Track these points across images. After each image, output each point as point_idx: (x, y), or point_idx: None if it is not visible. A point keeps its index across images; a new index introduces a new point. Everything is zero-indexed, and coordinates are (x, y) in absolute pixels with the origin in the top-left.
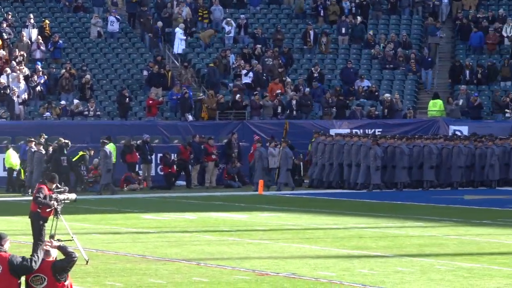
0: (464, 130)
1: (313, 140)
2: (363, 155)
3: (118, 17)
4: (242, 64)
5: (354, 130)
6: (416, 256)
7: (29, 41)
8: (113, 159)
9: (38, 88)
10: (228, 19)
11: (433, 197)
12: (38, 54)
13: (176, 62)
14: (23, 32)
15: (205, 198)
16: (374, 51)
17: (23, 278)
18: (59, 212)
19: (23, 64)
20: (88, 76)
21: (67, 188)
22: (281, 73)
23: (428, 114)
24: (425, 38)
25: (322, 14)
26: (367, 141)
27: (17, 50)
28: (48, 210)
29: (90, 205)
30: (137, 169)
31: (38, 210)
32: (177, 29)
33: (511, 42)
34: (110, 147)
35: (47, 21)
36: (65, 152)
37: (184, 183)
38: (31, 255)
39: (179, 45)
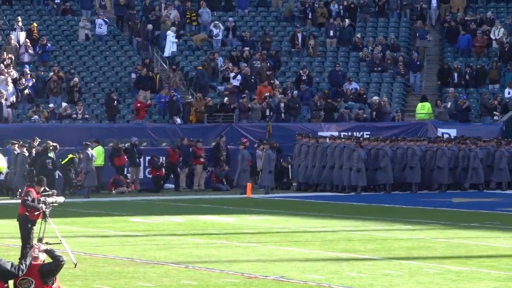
0: (453, 133)
1: (296, 142)
2: (346, 157)
3: (106, 20)
4: (230, 67)
5: (342, 133)
6: (405, 259)
7: (17, 44)
8: (102, 162)
9: (26, 91)
10: (216, 22)
11: (421, 200)
12: (26, 57)
13: (165, 65)
14: (11, 35)
15: (194, 201)
16: (362, 53)
17: (11, 281)
18: (47, 215)
19: (11, 67)
20: (76, 79)
21: (55, 191)
22: (269, 76)
23: (416, 117)
24: (413, 41)
25: (310, 16)
26: (351, 143)
27: (5, 53)
28: (36, 213)
29: (78, 208)
30: (125, 172)
31: (27, 213)
32: (168, 32)
33: (499, 45)
34: (98, 150)
35: (35, 24)
36: (50, 154)
37: (172, 186)
38: (19, 263)
39: (170, 48)
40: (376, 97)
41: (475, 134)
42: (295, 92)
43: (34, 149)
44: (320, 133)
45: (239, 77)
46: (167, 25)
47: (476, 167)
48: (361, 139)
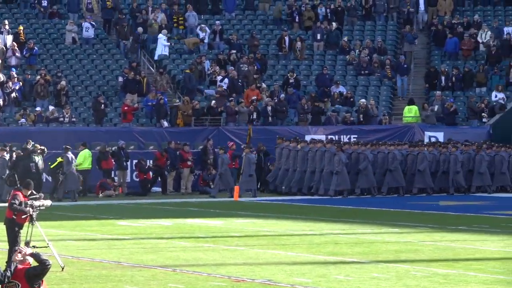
0: (440, 136)
1: (276, 146)
2: (327, 161)
3: (93, 23)
4: (218, 70)
5: (329, 136)
6: (392, 262)
7: (4, 48)
8: (89, 165)
9: (13, 94)
10: (203, 25)
11: (409, 203)
12: (13, 61)
13: (152, 69)
14: None
15: (181, 204)
16: (349, 57)
17: None
18: (35, 218)
19: None
20: (63, 83)
21: (42, 195)
22: (256, 79)
23: (403, 120)
24: (400, 45)
25: (297, 20)
26: (331, 147)
27: None
28: (23, 216)
29: (65, 212)
30: (112, 176)
31: (14, 216)
32: (160, 35)
33: (486, 48)
34: (85, 153)
35: (21, 27)
36: (37, 158)
37: (159, 189)
38: (5, 269)
39: (162, 51)
40: (363, 100)
41: (462, 138)
42: (282, 95)
43: (14, 153)
44: (309, 137)
45: (226, 80)
46: (154, 28)
47: (458, 171)
48: (342, 143)
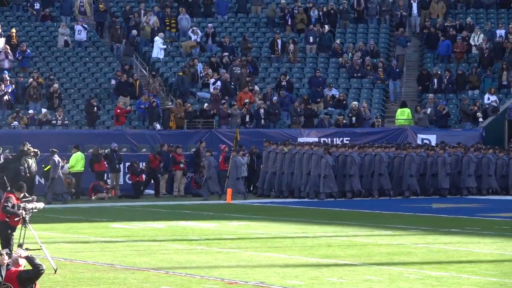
0: (432, 138)
1: (264, 149)
2: (314, 164)
3: (86, 25)
4: (210, 73)
5: (322, 139)
6: (385, 265)
7: None
8: (82, 168)
9: (6, 97)
10: (194, 28)
11: (401, 206)
12: (6, 63)
13: (144, 71)
14: None
15: (174, 207)
16: (342, 59)
17: None
18: (27, 221)
19: None
20: (56, 85)
21: (35, 197)
22: (248, 82)
23: (396, 123)
24: (393, 47)
25: (289, 23)
26: (318, 149)
27: None
28: (16, 219)
29: (58, 214)
30: (105, 178)
31: (6, 219)
32: (156, 38)
33: (479, 51)
34: (77, 156)
35: (14, 30)
36: (31, 160)
37: (152, 191)
38: None
39: (158, 54)
40: (355, 102)
41: (455, 140)
42: (275, 98)
43: (2, 155)
44: (302, 140)
45: (218, 83)
46: (146, 31)
47: (449, 173)
48: (328, 145)
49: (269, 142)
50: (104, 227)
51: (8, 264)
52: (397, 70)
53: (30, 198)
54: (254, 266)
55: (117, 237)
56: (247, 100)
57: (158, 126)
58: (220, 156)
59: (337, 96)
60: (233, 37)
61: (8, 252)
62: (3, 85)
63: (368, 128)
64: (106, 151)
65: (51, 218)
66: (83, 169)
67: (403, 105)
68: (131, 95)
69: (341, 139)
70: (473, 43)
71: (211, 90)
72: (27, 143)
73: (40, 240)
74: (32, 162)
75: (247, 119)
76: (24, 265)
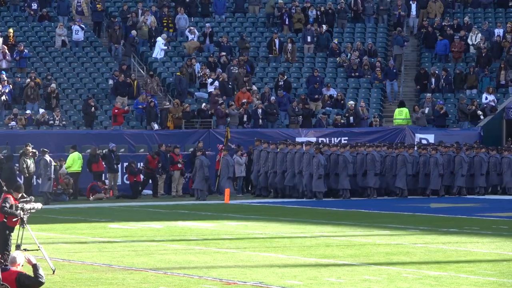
0: (430, 138)
1: (254, 148)
2: (306, 163)
3: (83, 25)
4: (208, 73)
5: (320, 139)
6: (383, 265)
7: None
8: (79, 168)
9: (3, 97)
10: (192, 27)
11: (400, 205)
12: (3, 64)
13: (142, 71)
14: None
15: (172, 207)
16: (339, 59)
17: None
18: (25, 221)
19: None
20: (53, 85)
21: (32, 198)
22: (246, 82)
23: (394, 122)
24: (390, 47)
25: (287, 22)
26: (310, 148)
27: None
28: (14, 219)
29: (56, 215)
30: (103, 178)
31: (4, 220)
32: (158, 38)
33: (477, 50)
34: (75, 156)
35: (11, 30)
36: (29, 161)
37: (150, 192)
38: None
39: (158, 54)
40: (351, 102)
41: (453, 140)
42: (273, 97)
43: None
44: (300, 139)
45: (216, 83)
46: (144, 31)
47: (441, 173)
48: (320, 145)
49: (260, 141)
50: (102, 227)
51: (6, 264)
52: (395, 69)
53: (28, 199)
54: (253, 266)
55: (115, 237)
56: (245, 100)
57: (156, 126)
58: (217, 156)
59: (335, 95)
60: (231, 37)
61: (7, 253)
62: (0, 86)
63: (366, 128)
64: (104, 151)
65: (49, 219)
66: (80, 169)
67: (401, 104)
68: (129, 95)
69: (339, 139)
70: (470, 43)
71: (209, 90)
72: (30, 143)
73: (38, 241)
74: (30, 162)
75: (245, 119)
76: (22, 264)
